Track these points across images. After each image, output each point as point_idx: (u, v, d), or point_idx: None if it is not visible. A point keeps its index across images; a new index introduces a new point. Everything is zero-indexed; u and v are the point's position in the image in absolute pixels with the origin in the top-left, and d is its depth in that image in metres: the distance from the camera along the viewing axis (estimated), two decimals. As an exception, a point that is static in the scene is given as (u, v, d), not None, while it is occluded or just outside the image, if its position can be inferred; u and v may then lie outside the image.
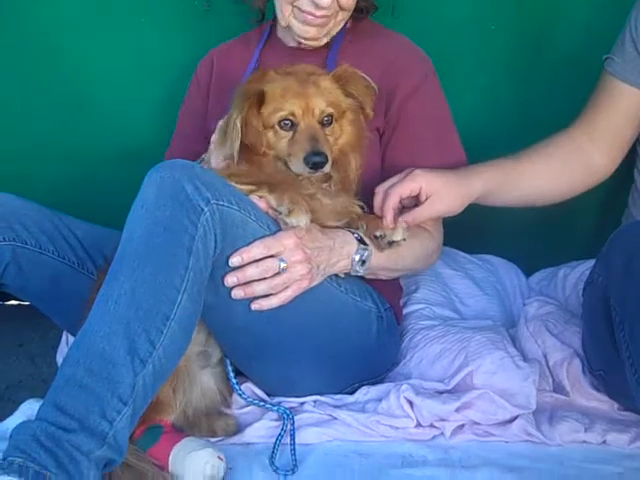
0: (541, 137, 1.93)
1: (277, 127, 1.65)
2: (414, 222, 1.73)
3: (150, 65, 2.32)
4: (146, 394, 1.38)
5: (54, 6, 2.22)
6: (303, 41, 1.90)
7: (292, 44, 1.96)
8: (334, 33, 1.89)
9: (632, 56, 1.84)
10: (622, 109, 1.88)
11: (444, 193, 1.73)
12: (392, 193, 1.71)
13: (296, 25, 1.86)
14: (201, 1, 2.08)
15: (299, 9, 1.82)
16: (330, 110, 1.66)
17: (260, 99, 1.65)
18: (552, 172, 1.89)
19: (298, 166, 1.62)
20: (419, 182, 1.72)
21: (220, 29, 2.12)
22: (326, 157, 1.60)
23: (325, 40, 1.90)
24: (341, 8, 1.83)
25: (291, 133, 1.65)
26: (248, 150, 1.66)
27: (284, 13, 1.86)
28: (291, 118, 1.64)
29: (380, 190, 1.75)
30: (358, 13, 1.96)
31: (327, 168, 1.62)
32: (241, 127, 1.63)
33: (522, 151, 1.89)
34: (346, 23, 1.94)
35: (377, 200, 1.74)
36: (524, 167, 1.86)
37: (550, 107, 2.14)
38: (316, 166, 1.60)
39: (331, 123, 1.67)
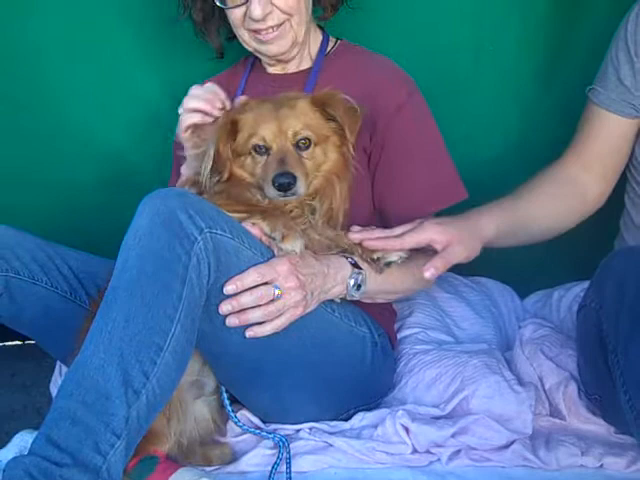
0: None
1: (253, 153, 1.65)
2: (438, 273, 1.63)
3: (136, 92, 2.31)
4: (140, 426, 1.37)
5: (37, 34, 2.21)
6: (275, 61, 1.92)
7: (274, 70, 1.97)
8: (300, 39, 1.88)
9: (614, 85, 1.86)
10: (609, 138, 1.90)
11: (463, 240, 1.67)
12: (396, 243, 1.67)
13: (259, 47, 1.89)
14: (188, 27, 2.07)
15: (250, 30, 1.85)
16: (307, 133, 1.64)
17: (234, 128, 1.66)
18: (554, 207, 1.90)
19: (269, 189, 1.60)
20: (428, 234, 1.66)
21: (207, 56, 2.12)
22: (294, 178, 1.58)
23: (296, 50, 1.91)
24: (283, 12, 1.82)
25: (265, 157, 1.64)
26: (232, 182, 1.66)
27: (245, 40, 1.89)
28: (263, 143, 1.63)
29: (380, 234, 1.70)
30: (321, 12, 1.98)
31: (300, 190, 1.60)
32: (214, 156, 1.64)
33: (521, 189, 1.88)
34: (326, 46, 1.96)
35: (374, 242, 1.69)
36: (528, 206, 1.85)
37: (556, 137, 2.04)
38: (283, 187, 1.58)
39: (309, 146, 1.65)
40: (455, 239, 1.66)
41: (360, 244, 1.70)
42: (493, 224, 1.76)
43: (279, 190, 1.59)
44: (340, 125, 1.68)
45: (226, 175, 1.66)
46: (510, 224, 1.80)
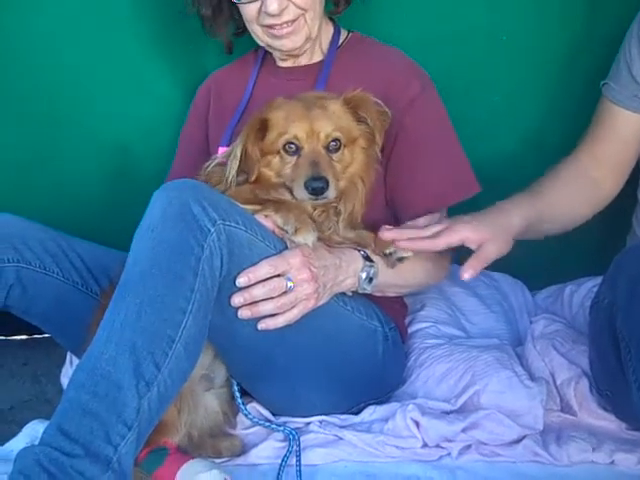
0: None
1: (282, 152, 1.64)
2: (476, 273, 1.62)
3: (146, 85, 2.29)
4: (151, 417, 1.37)
5: (47, 27, 2.20)
6: (287, 56, 1.92)
7: (285, 64, 1.97)
8: (314, 34, 1.87)
9: (627, 80, 1.86)
10: (621, 133, 1.90)
11: (494, 238, 1.65)
12: (429, 244, 1.65)
13: (272, 43, 1.88)
14: (198, 21, 2.06)
15: (264, 26, 1.84)
16: (337, 134, 1.63)
17: (263, 127, 1.65)
18: (572, 199, 1.89)
19: (299, 192, 1.60)
20: (461, 234, 1.64)
21: (215, 48, 2.11)
22: (327, 182, 1.57)
23: (308, 45, 1.90)
24: (299, 7, 1.81)
25: (295, 158, 1.63)
26: (258, 183, 1.66)
27: (258, 35, 1.88)
28: (295, 142, 1.62)
29: (412, 234, 1.68)
30: (333, 7, 1.97)
31: (330, 194, 1.59)
32: (241, 156, 1.63)
33: (542, 180, 1.87)
34: (338, 39, 1.95)
35: (407, 243, 1.66)
36: (551, 197, 1.84)
37: (574, 132, 2.01)
38: (316, 192, 1.57)
39: (339, 149, 1.64)
40: (488, 236, 1.64)
41: (374, 237, 1.70)
42: (521, 216, 1.74)
43: (312, 194, 1.58)
44: (369, 127, 1.68)
45: (254, 176, 1.65)
46: (536, 216, 1.79)
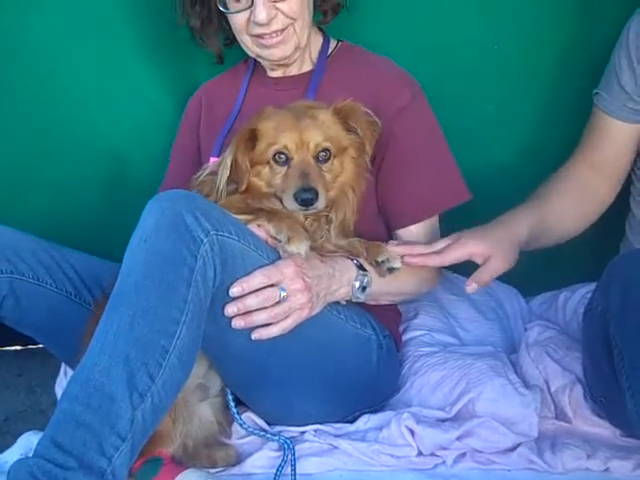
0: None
1: (272, 162, 1.64)
2: (480, 286, 1.65)
3: (139, 91, 2.30)
4: (145, 429, 1.37)
5: (41, 33, 2.21)
6: (277, 66, 1.93)
7: (275, 74, 1.97)
8: (303, 44, 1.88)
9: (617, 90, 1.87)
10: (614, 142, 1.91)
11: (501, 251, 1.67)
12: (436, 260, 1.67)
13: (261, 52, 1.89)
14: (186, 28, 2.06)
15: (253, 36, 1.85)
16: (327, 144, 1.63)
17: (253, 137, 1.65)
18: (574, 208, 1.91)
19: (289, 203, 1.60)
20: (467, 249, 1.66)
21: (207, 57, 2.11)
22: (316, 193, 1.58)
23: (297, 54, 1.90)
24: (287, 16, 1.82)
25: (285, 168, 1.63)
26: (248, 193, 1.66)
27: (247, 45, 1.89)
28: (284, 152, 1.62)
29: (421, 250, 1.70)
30: (321, 16, 1.98)
31: (320, 205, 1.60)
32: (231, 166, 1.63)
33: (543, 190, 1.89)
34: (327, 48, 1.96)
35: (415, 259, 1.68)
36: (554, 207, 1.86)
37: (567, 141, 2.02)
38: (305, 203, 1.58)
39: (329, 159, 1.65)
40: (494, 251, 1.65)
41: (366, 245, 1.71)
42: (525, 228, 1.76)
43: (301, 205, 1.59)
44: (359, 137, 1.68)
45: (244, 186, 1.65)
46: (540, 226, 1.80)
